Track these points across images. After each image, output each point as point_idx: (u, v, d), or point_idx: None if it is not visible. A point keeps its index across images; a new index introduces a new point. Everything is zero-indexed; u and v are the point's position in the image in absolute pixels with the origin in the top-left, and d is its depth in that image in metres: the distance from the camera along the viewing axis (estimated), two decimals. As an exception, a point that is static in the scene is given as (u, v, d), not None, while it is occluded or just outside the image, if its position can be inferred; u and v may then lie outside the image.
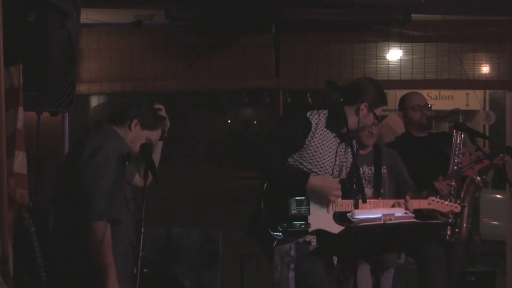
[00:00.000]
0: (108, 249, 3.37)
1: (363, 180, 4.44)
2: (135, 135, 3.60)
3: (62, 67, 4.38)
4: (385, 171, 4.55)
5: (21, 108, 3.81)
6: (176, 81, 6.03)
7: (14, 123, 3.77)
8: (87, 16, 5.59)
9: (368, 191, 4.44)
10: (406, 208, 4.12)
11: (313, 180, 3.92)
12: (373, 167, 4.53)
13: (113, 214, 3.41)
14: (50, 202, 5.21)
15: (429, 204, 4.26)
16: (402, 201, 4.16)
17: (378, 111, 4.06)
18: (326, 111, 4.08)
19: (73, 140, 3.75)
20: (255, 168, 4.04)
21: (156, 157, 3.93)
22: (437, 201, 4.26)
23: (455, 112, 5.04)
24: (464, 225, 4.75)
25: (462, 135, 4.76)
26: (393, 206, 4.14)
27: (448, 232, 4.73)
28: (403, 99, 5.06)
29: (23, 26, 4.09)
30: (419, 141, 4.93)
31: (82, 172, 3.40)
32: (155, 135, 3.71)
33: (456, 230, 4.74)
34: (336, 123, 4.05)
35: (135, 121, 3.59)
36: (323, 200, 3.98)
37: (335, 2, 5.85)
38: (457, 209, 4.30)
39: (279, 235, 3.94)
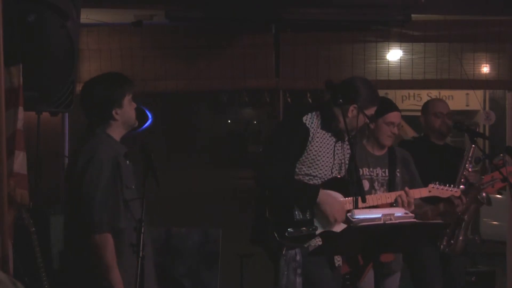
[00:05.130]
0: (113, 261, 3.33)
1: (376, 183, 4.43)
2: (122, 118, 3.51)
3: (62, 67, 4.38)
4: (398, 174, 4.50)
5: (21, 108, 3.80)
6: (176, 81, 6.03)
7: (14, 123, 3.76)
8: (87, 16, 5.59)
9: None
10: (408, 198, 4.14)
11: (322, 199, 3.94)
12: (387, 170, 4.47)
13: (114, 223, 3.36)
14: (49, 202, 5.22)
15: (429, 191, 4.29)
16: (402, 192, 4.18)
17: (370, 112, 4.06)
18: (318, 112, 4.08)
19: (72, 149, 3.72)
20: (262, 187, 4.04)
21: None
22: (437, 188, 4.30)
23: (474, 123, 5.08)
24: (461, 237, 4.72)
25: (473, 148, 4.73)
26: (395, 200, 4.15)
27: (444, 242, 4.72)
28: (426, 104, 5.06)
29: (23, 26, 4.09)
30: (435, 148, 4.93)
31: (79, 185, 3.36)
32: (131, 97, 3.58)
33: (452, 241, 4.73)
34: (329, 123, 4.05)
35: (113, 112, 3.49)
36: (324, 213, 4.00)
37: (335, 2, 5.85)
38: (457, 193, 4.37)
39: (288, 245, 3.95)
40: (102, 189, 3.34)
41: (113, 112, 3.49)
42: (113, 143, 3.51)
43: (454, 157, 4.86)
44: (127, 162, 3.48)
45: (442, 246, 4.71)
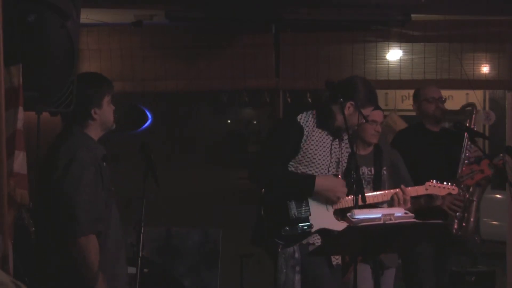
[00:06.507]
0: (96, 263, 3.30)
1: (363, 181, 4.44)
2: (100, 118, 3.51)
3: (62, 67, 4.37)
4: (385, 172, 4.55)
5: (21, 108, 3.79)
6: (176, 81, 6.03)
7: (14, 123, 3.76)
8: (87, 16, 5.59)
9: (368, 192, 4.43)
10: (404, 195, 4.15)
11: (320, 182, 3.94)
12: (372, 168, 4.53)
13: (98, 225, 3.32)
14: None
15: (426, 189, 4.31)
16: (399, 190, 4.19)
17: (367, 111, 4.07)
18: (314, 111, 4.10)
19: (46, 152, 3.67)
20: (257, 183, 4.06)
21: None
22: (434, 185, 4.32)
23: (470, 105, 5.06)
24: (472, 219, 4.76)
25: (467, 138, 4.74)
26: (391, 198, 4.17)
27: (455, 226, 4.74)
28: (417, 92, 5.06)
29: (23, 26, 4.09)
30: (430, 135, 4.93)
31: (59, 186, 3.31)
32: (110, 98, 3.59)
33: (464, 224, 4.75)
34: (326, 121, 4.06)
35: (92, 111, 3.50)
36: (326, 200, 4.00)
37: (335, 2, 5.85)
38: (455, 190, 4.37)
39: (284, 243, 3.95)
40: (86, 190, 3.30)
41: (92, 112, 3.49)
42: (92, 143, 3.49)
43: (451, 142, 4.86)
44: (104, 164, 3.45)
45: (454, 229, 4.72)
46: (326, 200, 4.01)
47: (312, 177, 3.97)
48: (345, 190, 3.99)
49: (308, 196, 3.99)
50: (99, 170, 3.38)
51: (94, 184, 3.33)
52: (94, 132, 3.53)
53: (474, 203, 4.76)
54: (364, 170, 4.51)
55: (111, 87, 3.60)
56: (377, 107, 4.53)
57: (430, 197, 4.49)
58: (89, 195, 3.30)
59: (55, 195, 3.33)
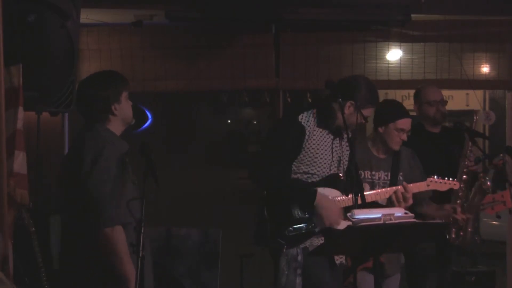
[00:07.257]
0: (126, 253, 3.37)
1: (377, 186, 4.40)
2: (120, 113, 3.58)
3: (62, 67, 4.38)
4: (401, 178, 4.46)
5: (21, 108, 3.80)
6: (176, 81, 6.03)
7: (14, 123, 3.77)
8: (87, 16, 5.59)
9: None
10: (405, 193, 4.13)
11: (319, 201, 3.94)
12: (389, 173, 4.44)
13: (124, 217, 3.39)
14: (50, 202, 5.22)
15: (428, 185, 4.28)
16: (400, 187, 4.17)
17: (367, 112, 4.04)
18: (314, 110, 4.09)
19: (69, 148, 3.73)
20: (257, 183, 4.05)
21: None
22: (435, 181, 4.29)
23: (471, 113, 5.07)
24: (469, 229, 4.73)
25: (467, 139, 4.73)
26: (389, 196, 4.16)
27: (453, 235, 4.72)
28: (418, 93, 5.00)
29: (23, 26, 4.09)
30: (430, 136, 4.91)
31: (87, 181, 3.38)
32: (127, 94, 3.65)
33: (461, 233, 4.73)
34: (326, 120, 4.06)
35: (113, 107, 3.55)
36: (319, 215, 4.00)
37: (335, 2, 5.86)
38: (456, 186, 4.37)
39: (288, 244, 3.95)
40: (113, 184, 3.38)
41: (113, 108, 3.55)
42: (116, 138, 3.56)
43: (451, 142, 4.85)
44: (127, 159, 3.51)
45: (451, 239, 4.71)
46: (319, 215, 3.99)
47: (314, 192, 3.96)
48: (340, 221, 3.95)
49: (308, 206, 3.98)
50: (124, 164, 3.45)
51: (120, 178, 3.41)
52: (116, 127, 3.60)
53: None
54: (381, 174, 4.43)
55: (127, 83, 3.67)
56: (407, 115, 4.41)
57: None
58: (116, 188, 3.38)
59: (83, 189, 3.39)
